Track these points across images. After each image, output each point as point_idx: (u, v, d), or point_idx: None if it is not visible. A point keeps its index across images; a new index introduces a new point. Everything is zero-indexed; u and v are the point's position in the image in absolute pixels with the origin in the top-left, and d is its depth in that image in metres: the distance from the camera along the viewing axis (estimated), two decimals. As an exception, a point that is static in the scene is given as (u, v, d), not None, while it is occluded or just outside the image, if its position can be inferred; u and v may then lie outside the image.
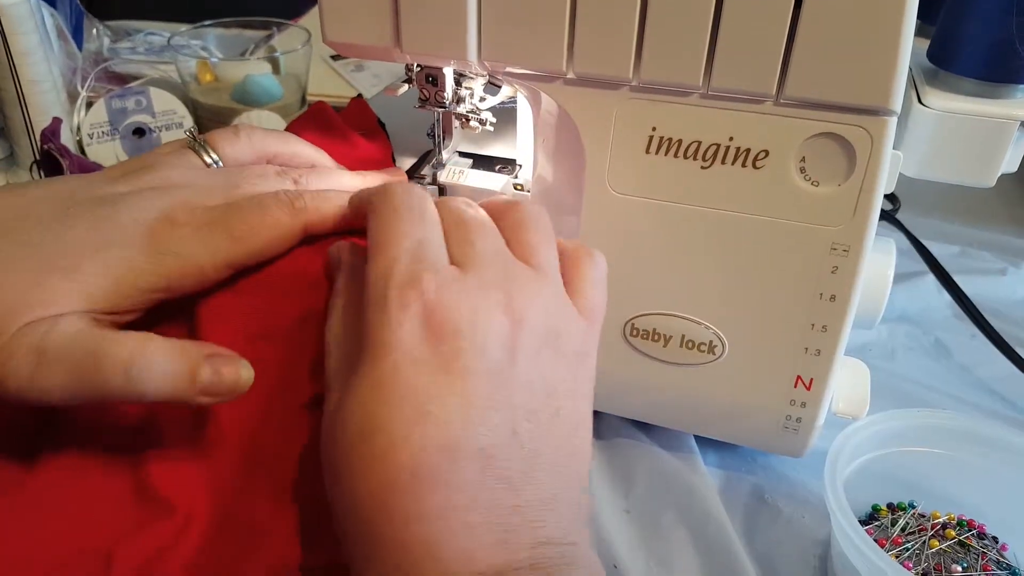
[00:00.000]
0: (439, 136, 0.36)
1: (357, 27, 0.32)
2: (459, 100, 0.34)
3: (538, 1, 0.29)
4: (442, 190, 0.36)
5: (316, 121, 0.41)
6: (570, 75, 0.30)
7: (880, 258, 0.39)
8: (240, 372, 0.26)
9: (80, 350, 0.25)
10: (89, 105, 0.60)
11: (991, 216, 0.58)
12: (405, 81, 0.35)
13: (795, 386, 0.33)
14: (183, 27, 0.67)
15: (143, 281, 0.27)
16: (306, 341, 0.30)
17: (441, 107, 0.34)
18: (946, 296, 0.48)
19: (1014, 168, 0.37)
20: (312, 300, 0.31)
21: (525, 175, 0.36)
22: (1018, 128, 0.33)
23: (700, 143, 0.30)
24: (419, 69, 0.34)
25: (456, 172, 0.35)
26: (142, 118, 0.61)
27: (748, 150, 0.30)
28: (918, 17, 0.37)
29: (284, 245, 0.30)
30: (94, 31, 0.68)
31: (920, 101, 0.34)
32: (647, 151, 0.31)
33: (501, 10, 0.29)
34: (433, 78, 0.34)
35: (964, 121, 0.33)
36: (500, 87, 0.35)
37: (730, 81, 0.28)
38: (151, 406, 0.29)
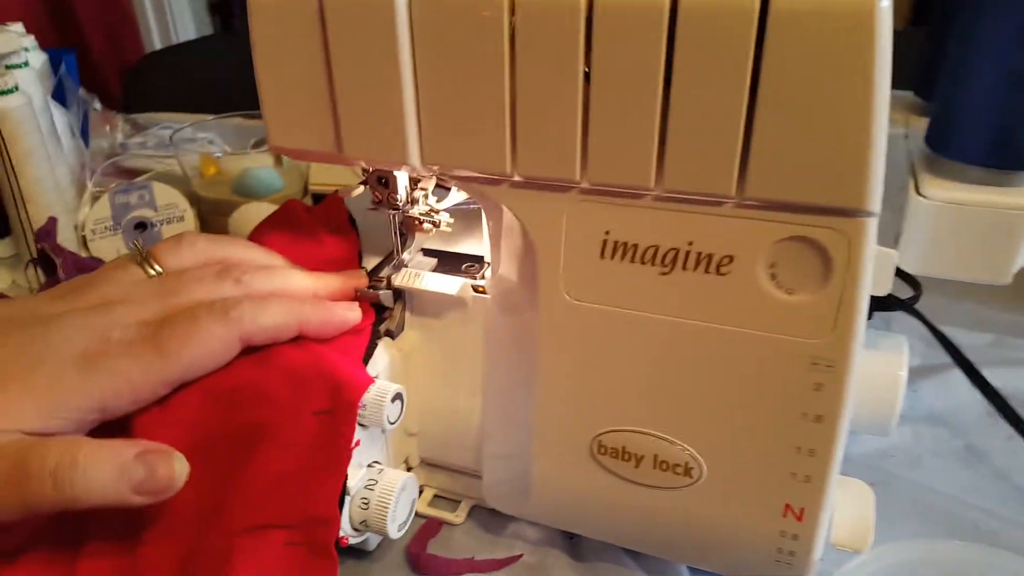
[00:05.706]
0: (397, 237, 0.34)
1: (300, 133, 0.30)
2: (413, 202, 0.33)
3: (477, 103, 0.27)
4: (398, 294, 0.34)
5: (283, 220, 0.40)
6: (516, 177, 0.28)
7: (889, 357, 0.35)
8: (175, 467, 0.26)
9: (6, 461, 0.24)
10: (96, 200, 0.61)
11: (1031, 298, 0.53)
12: (362, 183, 0.34)
13: (784, 515, 0.29)
14: (208, 118, 0.68)
15: (73, 400, 0.27)
16: (239, 458, 0.28)
17: (395, 209, 0.33)
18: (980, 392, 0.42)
19: (1035, 261, 0.33)
20: (250, 414, 0.29)
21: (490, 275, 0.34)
22: (1032, 219, 0.30)
23: (658, 248, 0.27)
24: (371, 171, 0.32)
25: (412, 276, 0.33)
26: (144, 212, 0.61)
27: (711, 255, 0.27)
28: (916, 93, 0.34)
29: (220, 358, 0.29)
30: (107, 127, 0.70)
31: (918, 191, 0.31)
32: (601, 256, 0.28)
33: (440, 114, 0.28)
34: (385, 180, 0.32)
35: (967, 213, 0.30)
36: (449, 190, 0.33)
37: (685, 182, 0.26)
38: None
